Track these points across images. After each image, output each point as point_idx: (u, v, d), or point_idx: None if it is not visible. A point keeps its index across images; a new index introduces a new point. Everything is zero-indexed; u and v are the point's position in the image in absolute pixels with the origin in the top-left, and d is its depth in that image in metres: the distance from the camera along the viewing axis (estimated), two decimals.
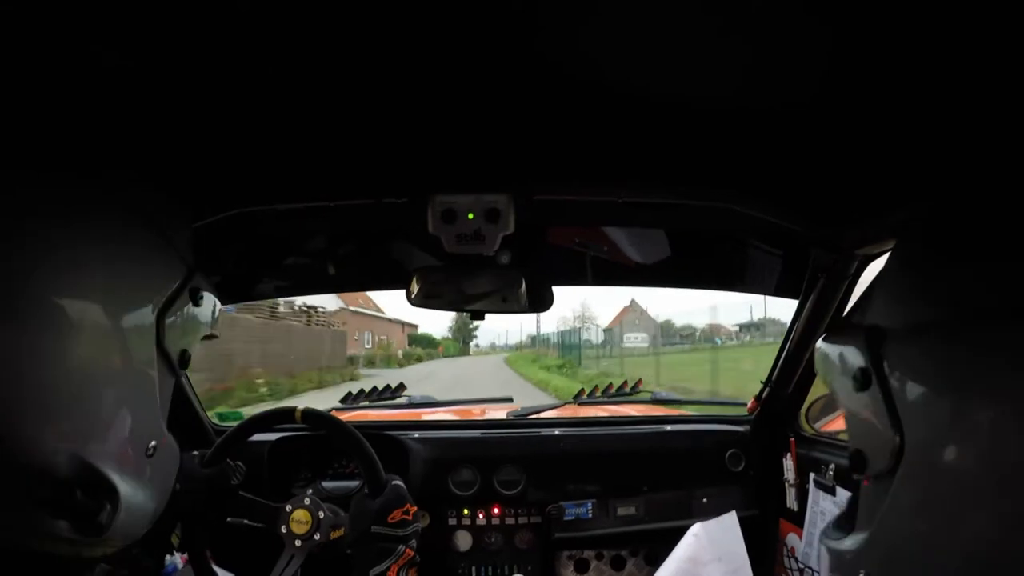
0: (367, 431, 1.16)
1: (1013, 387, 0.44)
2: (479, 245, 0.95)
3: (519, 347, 41.24)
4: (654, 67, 0.58)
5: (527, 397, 1.83)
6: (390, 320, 33.73)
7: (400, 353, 30.49)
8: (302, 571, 1.05)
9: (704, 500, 1.47)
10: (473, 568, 1.46)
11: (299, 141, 0.79)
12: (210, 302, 0.80)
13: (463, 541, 1.46)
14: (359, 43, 0.54)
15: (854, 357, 0.58)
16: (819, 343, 0.67)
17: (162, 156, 0.78)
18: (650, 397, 1.85)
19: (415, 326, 39.07)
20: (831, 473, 1.21)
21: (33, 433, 0.57)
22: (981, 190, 0.56)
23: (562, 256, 1.37)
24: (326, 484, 1.37)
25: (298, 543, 1.06)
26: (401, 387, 1.86)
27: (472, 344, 45.09)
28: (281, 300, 13.03)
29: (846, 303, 1.20)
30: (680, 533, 1.28)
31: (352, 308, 26.43)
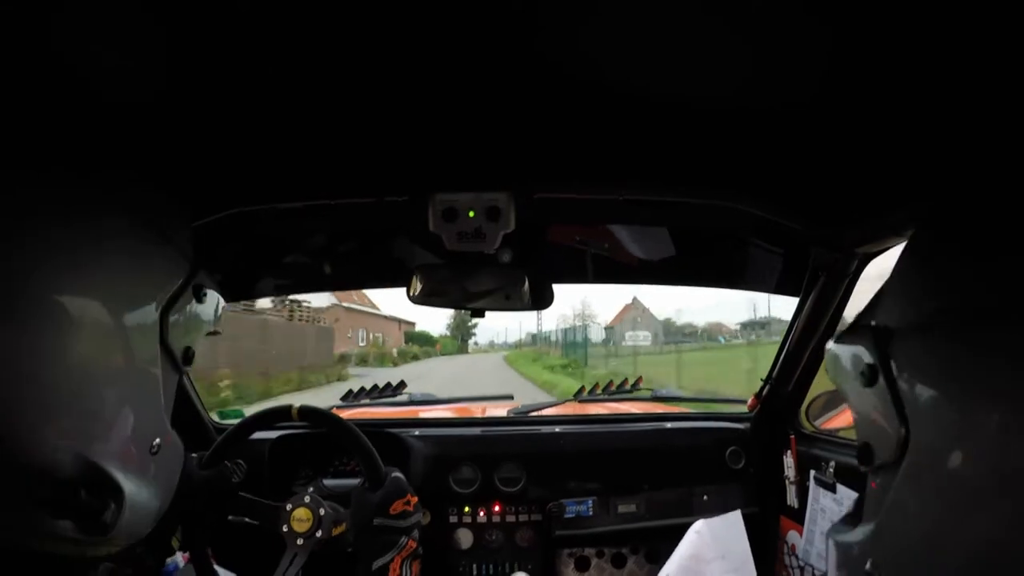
0: (367, 429, 1.16)
1: (1016, 382, 0.45)
2: (480, 243, 0.95)
3: (518, 345, 40.77)
4: (654, 67, 0.58)
5: (533, 401, 1.79)
6: (386, 317, 33.07)
7: (395, 351, 29.70)
8: (306, 569, 1.05)
9: (705, 498, 1.47)
10: (474, 566, 1.46)
11: (299, 140, 0.79)
12: (213, 298, 0.80)
13: (464, 539, 1.46)
14: (360, 42, 0.54)
15: (862, 355, 0.59)
16: (829, 344, 0.68)
17: (162, 155, 0.78)
18: (650, 395, 1.86)
19: (412, 324, 38.49)
20: (831, 470, 1.21)
21: (34, 432, 0.57)
22: (983, 189, 0.56)
23: (563, 254, 1.37)
24: (327, 482, 1.38)
25: (300, 541, 1.06)
26: (402, 385, 1.87)
27: (471, 342, 44.62)
28: None
29: (846, 301, 1.20)
30: (681, 530, 1.28)
31: (345, 304, 25.72)
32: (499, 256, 1.05)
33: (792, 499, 1.36)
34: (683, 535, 1.26)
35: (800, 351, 1.33)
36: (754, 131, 0.72)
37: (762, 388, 1.48)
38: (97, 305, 0.62)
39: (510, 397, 1.91)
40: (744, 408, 1.58)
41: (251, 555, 1.15)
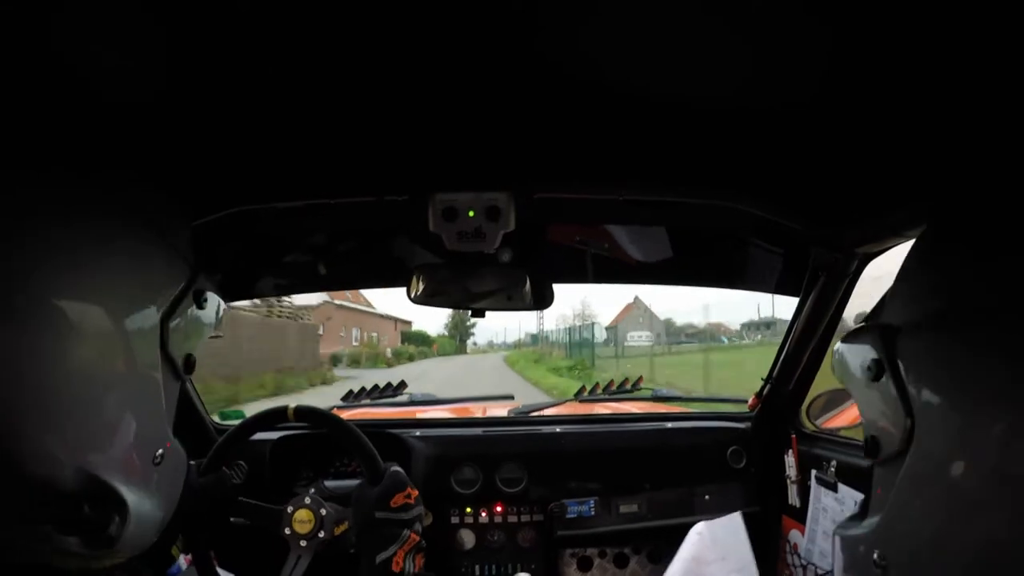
0: (368, 429, 1.16)
1: (1017, 381, 0.46)
2: (480, 243, 0.95)
3: (518, 345, 40.32)
4: (654, 67, 0.58)
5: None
6: (381, 316, 32.04)
7: (389, 351, 28.77)
8: (310, 571, 1.05)
9: (706, 497, 1.47)
10: (476, 566, 1.46)
11: (299, 139, 0.79)
12: (214, 302, 0.78)
13: (466, 539, 1.46)
14: (360, 42, 0.54)
15: (869, 351, 0.60)
16: (836, 344, 0.69)
17: (162, 155, 0.78)
18: (651, 394, 1.86)
19: (409, 323, 37.55)
20: (833, 469, 1.21)
21: (36, 440, 0.56)
22: (984, 189, 0.57)
23: (563, 254, 1.37)
24: (328, 483, 1.38)
25: (303, 543, 1.06)
26: (402, 385, 1.87)
27: (470, 342, 43.81)
28: None
29: (846, 301, 1.20)
30: (683, 530, 1.28)
31: (337, 302, 24.55)
32: (499, 256, 1.05)
33: (794, 498, 1.36)
34: (685, 535, 1.26)
35: (800, 351, 1.34)
36: (754, 131, 0.72)
37: (763, 387, 1.49)
38: (98, 308, 0.61)
39: (511, 397, 1.91)
40: (745, 408, 1.58)
41: (254, 556, 1.15)
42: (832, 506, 1.21)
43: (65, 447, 0.58)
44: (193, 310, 0.73)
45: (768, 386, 1.46)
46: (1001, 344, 0.47)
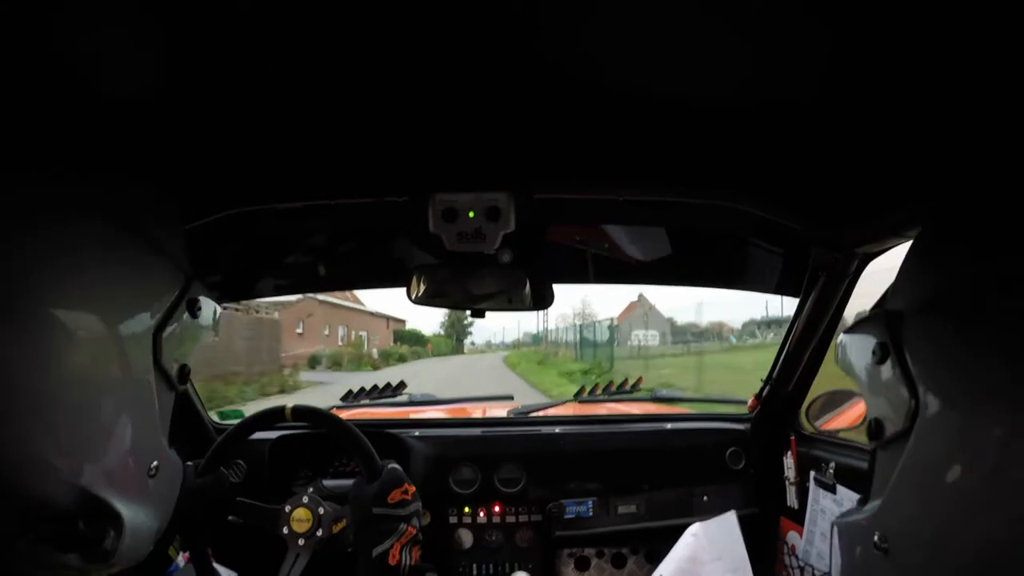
0: (367, 429, 1.16)
1: (1017, 380, 0.46)
2: (480, 243, 0.95)
3: (517, 345, 39.54)
4: (654, 67, 0.58)
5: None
6: (371, 314, 29.83)
7: (375, 352, 26.25)
8: (309, 569, 1.05)
9: (705, 498, 1.47)
10: (474, 566, 1.46)
11: (299, 140, 0.78)
12: (209, 308, 0.77)
13: (464, 539, 1.46)
14: (360, 42, 0.54)
15: (874, 336, 0.61)
16: (841, 337, 0.70)
17: (162, 156, 0.78)
18: (650, 395, 1.86)
19: (403, 321, 35.53)
20: (831, 471, 1.21)
21: (30, 447, 0.55)
22: (984, 189, 0.57)
23: (563, 254, 1.37)
24: (327, 482, 1.38)
25: (301, 542, 1.06)
26: (402, 385, 1.87)
27: (467, 341, 42.34)
28: None
29: (846, 302, 1.20)
30: (681, 531, 1.28)
31: (320, 297, 22.21)
32: (499, 256, 1.05)
33: (792, 500, 1.36)
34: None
35: (800, 352, 1.33)
36: (754, 131, 0.72)
37: (762, 389, 1.49)
38: (93, 315, 0.60)
39: (510, 398, 1.91)
40: (744, 409, 1.58)
41: (253, 553, 1.15)
42: (830, 508, 1.21)
43: (59, 457, 0.57)
44: (186, 318, 0.72)
45: (767, 387, 1.46)
46: (1005, 345, 0.48)
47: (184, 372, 0.73)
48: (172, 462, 0.73)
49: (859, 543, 0.61)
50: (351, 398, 1.80)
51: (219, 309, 0.81)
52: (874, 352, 0.61)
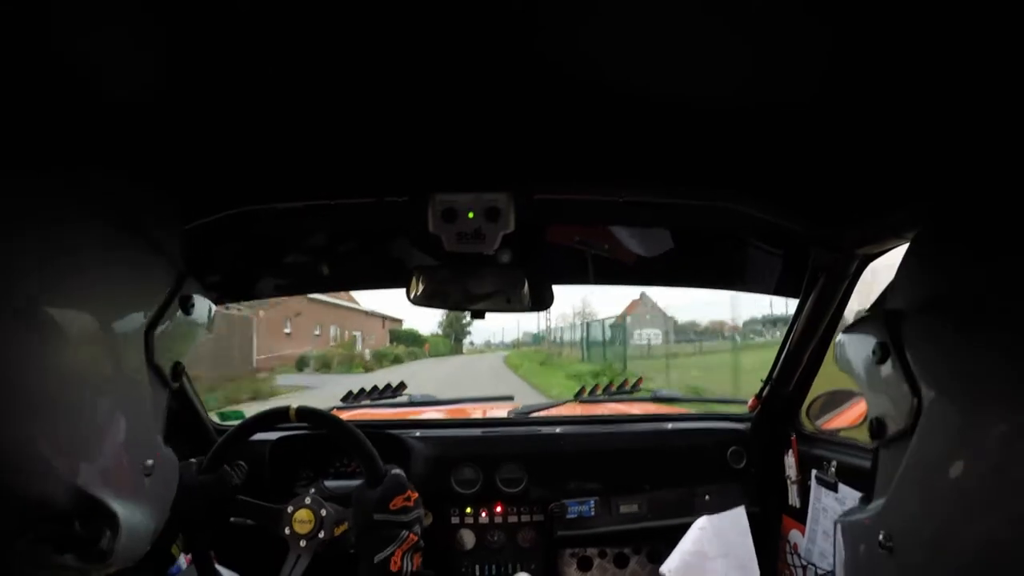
0: (368, 430, 1.16)
1: (1017, 380, 0.47)
2: (479, 244, 0.95)
3: (516, 345, 39.10)
4: (654, 67, 0.58)
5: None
6: (366, 312, 28.66)
7: (367, 353, 24.78)
8: (309, 571, 1.05)
9: (706, 497, 1.47)
10: (476, 566, 1.46)
11: (299, 139, 0.78)
12: (203, 306, 0.76)
13: (466, 539, 1.46)
14: (359, 42, 0.54)
15: (874, 336, 0.61)
16: (840, 335, 0.70)
17: (161, 155, 0.78)
18: (651, 395, 1.86)
19: (399, 321, 34.33)
20: (833, 470, 1.21)
21: (26, 445, 0.55)
22: (984, 189, 0.57)
23: (562, 255, 1.37)
24: (328, 483, 1.38)
25: (303, 543, 1.06)
26: (402, 386, 1.87)
27: (466, 341, 41.23)
28: None
29: (846, 302, 1.20)
30: (683, 530, 1.28)
31: (310, 295, 20.05)
32: (498, 257, 1.05)
33: (794, 499, 1.36)
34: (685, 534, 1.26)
35: (800, 352, 1.33)
36: (754, 131, 0.72)
37: (763, 388, 1.49)
38: (91, 315, 0.60)
39: (511, 398, 1.91)
40: (745, 409, 1.59)
41: (254, 554, 1.15)
42: (832, 506, 1.21)
43: (57, 456, 0.57)
44: (179, 317, 0.71)
45: (768, 387, 1.46)
46: (1000, 340, 0.48)
47: (178, 370, 0.72)
48: (168, 460, 0.73)
49: (863, 541, 0.61)
50: (351, 399, 1.80)
51: (214, 307, 0.81)
52: (874, 351, 0.61)
